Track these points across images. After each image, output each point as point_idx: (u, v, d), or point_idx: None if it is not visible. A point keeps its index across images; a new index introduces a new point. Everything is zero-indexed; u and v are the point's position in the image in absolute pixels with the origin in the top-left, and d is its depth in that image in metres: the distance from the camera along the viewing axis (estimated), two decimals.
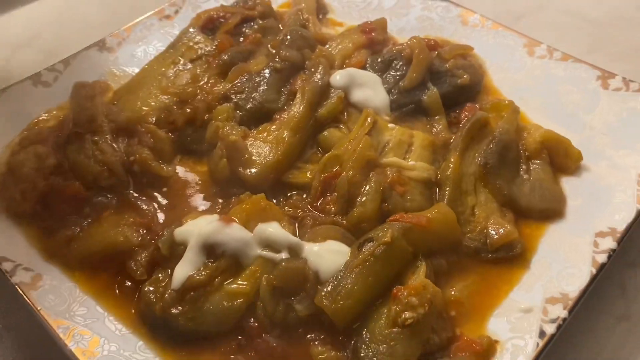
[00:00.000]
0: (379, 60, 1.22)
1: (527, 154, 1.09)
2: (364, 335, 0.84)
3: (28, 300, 0.88)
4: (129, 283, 0.94)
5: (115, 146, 1.08)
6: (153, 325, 0.88)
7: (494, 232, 0.97)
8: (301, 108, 1.08)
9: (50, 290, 0.92)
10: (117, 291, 0.93)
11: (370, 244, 0.90)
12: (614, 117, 1.13)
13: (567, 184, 1.06)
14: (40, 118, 1.15)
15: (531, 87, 1.21)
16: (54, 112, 1.17)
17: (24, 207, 1.00)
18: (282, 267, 0.89)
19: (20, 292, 0.89)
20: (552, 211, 1.02)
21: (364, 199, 0.97)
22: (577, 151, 1.08)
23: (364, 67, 1.22)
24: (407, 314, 0.83)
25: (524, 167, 1.07)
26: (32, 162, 1.04)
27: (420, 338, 0.83)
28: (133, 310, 0.90)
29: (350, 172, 0.99)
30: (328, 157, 1.03)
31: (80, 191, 1.01)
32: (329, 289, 0.87)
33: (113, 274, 0.95)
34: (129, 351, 0.86)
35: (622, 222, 0.96)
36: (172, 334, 0.87)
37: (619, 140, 1.09)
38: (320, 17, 1.39)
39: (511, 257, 0.96)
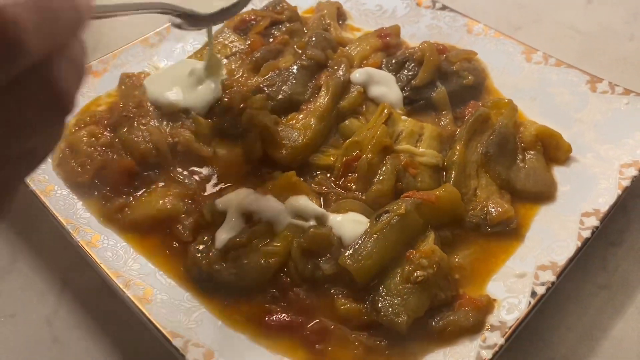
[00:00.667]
0: (394, 61, 1.37)
1: (523, 145, 1.23)
2: (381, 290, 0.98)
3: (90, 256, 1.02)
4: (176, 244, 1.07)
5: (162, 130, 1.22)
6: (199, 279, 1.02)
7: (493, 210, 1.11)
8: (326, 99, 1.23)
9: (108, 248, 1.05)
10: (167, 251, 1.07)
11: (387, 215, 1.04)
12: (601, 116, 1.28)
13: (558, 172, 1.21)
14: (92, 103, 1.30)
15: (528, 88, 1.36)
16: (104, 98, 1.32)
17: (83, 178, 1.14)
18: (311, 233, 1.03)
19: (83, 248, 1.03)
20: (544, 194, 1.16)
21: (381, 178, 1.12)
22: (567, 144, 1.22)
23: (379, 67, 1.37)
24: (418, 273, 0.97)
25: (520, 156, 1.22)
26: (87, 140, 1.19)
27: (429, 293, 0.97)
28: (182, 268, 1.04)
29: (369, 155, 1.13)
30: (350, 142, 1.18)
31: (132, 166, 1.15)
32: (351, 251, 1.01)
33: (161, 237, 1.09)
34: (178, 300, 1.00)
35: (604, 204, 1.11)
36: (216, 286, 1.01)
37: (604, 136, 1.24)
38: (340, 22, 1.53)
39: (508, 232, 1.10)
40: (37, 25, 0.42)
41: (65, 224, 1.06)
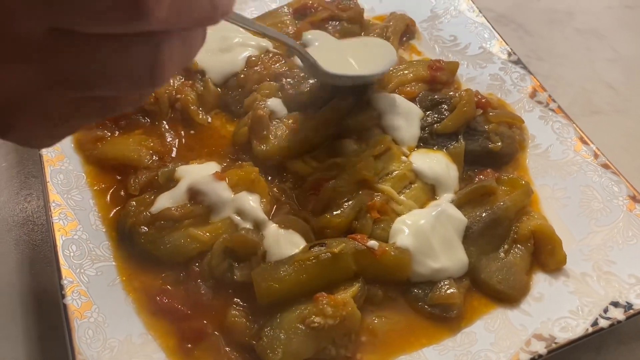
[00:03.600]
0: (429, 98, 1.27)
1: (515, 236, 1.10)
2: (276, 319, 0.93)
3: (43, 171, 1.06)
4: (122, 193, 1.09)
5: (171, 82, 1.23)
6: (121, 234, 1.03)
7: (439, 289, 1.01)
8: (330, 112, 1.17)
9: (62, 171, 1.09)
10: (111, 197, 1.08)
11: (320, 248, 0.98)
12: (622, 240, 1.11)
13: (538, 279, 1.07)
14: None
15: (560, 178, 1.20)
16: None
17: None
18: (240, 234, 1.00)
19: (41, 163, 1.07)
20: (507, 297, 1.03)
21: (339, 210, 1.05)
22: (563, 254, 1.07)
23: (413, 99, 1.27)
24: (315, 318, 0.91)
25: (505, 247, 1.09)
26: None
27: (317, 343, 0.91)
28: (111, 214, 1.06)
29: (340, 182, 1.07)
30: (331, 162, 1.11)
31: None
32: (266, 268, 0.96)
33: (115, 181, 1.10)
34: (94, 244, 1.01)
35: (563, 336, 0.97)
36: (132, 247, 1.01)
37: (611, 263, 1.07)
38: (404, 39, 1.45)
39: (444, 318, 1.00)
40: (170, 3, 0.44)
41: None
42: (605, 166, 1.20)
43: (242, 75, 1.24)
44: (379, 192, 1.10)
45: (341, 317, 0.92)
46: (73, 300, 0.92)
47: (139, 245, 1.00)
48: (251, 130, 1.14)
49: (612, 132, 1.39)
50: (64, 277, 0.94)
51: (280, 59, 1.28)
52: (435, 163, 1.16)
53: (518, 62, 1.39)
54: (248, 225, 1.02)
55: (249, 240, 0.99)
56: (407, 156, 1.17)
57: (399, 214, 1.08)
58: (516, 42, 1.55)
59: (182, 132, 1.20)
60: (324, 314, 0.91)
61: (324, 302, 0.92)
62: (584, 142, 1.24)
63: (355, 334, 0.95)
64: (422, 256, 1.02)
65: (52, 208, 1.02)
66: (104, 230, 1.04)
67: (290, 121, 1.17)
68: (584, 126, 1.27)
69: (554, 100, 1.31)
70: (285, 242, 1.00)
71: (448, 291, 1.01)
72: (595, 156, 1.22)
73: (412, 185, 1.14)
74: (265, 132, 1.14)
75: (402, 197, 1.11)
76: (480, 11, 1.48)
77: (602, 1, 1.69)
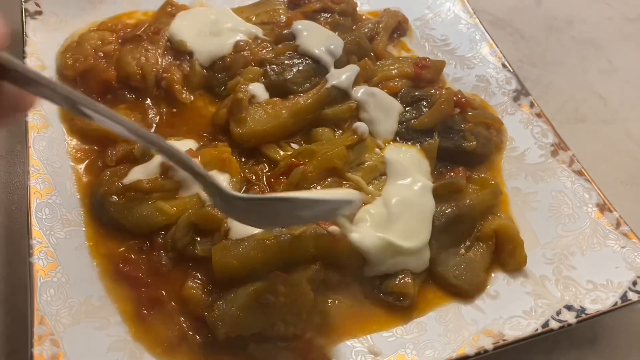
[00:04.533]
0: (411, 94, 1.28)
1: (478, 234, 1.11)
2: (231, 293, 0.96)
3: (27, 136, 1.10)
4: (100, 164, 1.13)
5: (160, 60, 1.27)
6: (93, 201, 1.06)
7: (395, 279, 1.03)
8: (309, 100, 1.19)
9: (46, 139, 1.12)
10: (84, 166, 1.12)
11: (283, 230, 1.01)
12: (587, 246, 1.11)
13: (497, 278, 1.08)
14: (125, 13, 1.38)
15: (532, 182, 1.21)
16: (139, 14, 1.39)
17: (69, 72, 1.22)
18: (204, 210, 1.03)
19: (26, 128, 1.11)
20: (462, 291, 1.05)
21: None
22: (524, 256, 1.08)
23: (396, 94, 1.29)
24: (267, 296, 0.94)
25: (467, 243, 1.10)
26: (95, 42, 1.27)
27: (266, 320, 0.94)
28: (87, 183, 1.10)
29: (309, 168, 1.09)
30: (304, 148, 1.14)
31: (112, 79, 1.21)
32: (227, 244, 0.99)
33: (95, 152, 1.14)
34: (67, 209, 1.05)
35: (512, 334, 0.98)
36: (101, 215, 1.05)
37: (572, 268, 1.08)
38: (395, 36, 1.46)
39: (397, 307, 1.02)
40: None
41: None
42: (579, 173, 1.21)
43: (228, 59, 1.27)
44: (348, 180, 1.12)
45: (293, 296, 0.94)
46: (39, 259, 0.96)
47: (109, 214, 1.04)
48: (230, 112, 1.17)
49: (595, 141, 1.39)
50: (33, 237, 0.98)
51: (268, 45, 1.31)
52: (407, 157, 1.18)
53: (506, 65, 1.39)
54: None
55: (213, 217, 1.02)
56: (381, 149, 1.19)
57: (365, 203, 1.10)
58: (510, 47, 1.56)
59: (165, 109, 1.23)
60: (277, 291, 0.94)
61: (278, 280, 0.95)
62: (561, 148, 1.25)
63: (306, 314, 0.97)
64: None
65: (30, 172, 1.06)
66: (78, 197, 1.08)
67: (269, 106, 1.20)
68: (567, 133, 1.28)
69: (537, 105, 1.32)
70: None
71: (402, 281, 1.03)
72: (571, 162, 1.22)
73: (382, 177, 1.16)
74: (243, 115, 1.17)
75: (370, 187, 1.13)
76: (474, 13, 1.49)
77: (603, 12, 1.69)
